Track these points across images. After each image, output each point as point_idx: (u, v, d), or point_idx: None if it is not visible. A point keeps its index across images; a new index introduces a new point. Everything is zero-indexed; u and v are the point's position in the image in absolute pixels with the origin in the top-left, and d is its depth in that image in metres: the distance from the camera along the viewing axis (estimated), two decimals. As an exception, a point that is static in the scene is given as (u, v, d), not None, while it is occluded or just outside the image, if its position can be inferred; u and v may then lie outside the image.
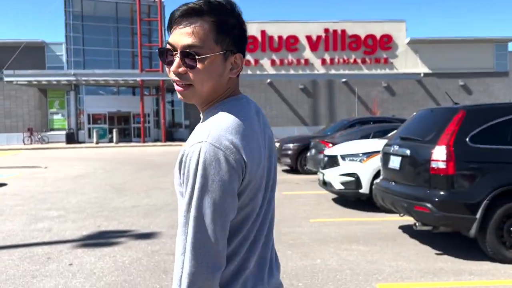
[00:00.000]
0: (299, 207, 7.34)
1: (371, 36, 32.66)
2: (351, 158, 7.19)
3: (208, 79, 1.05)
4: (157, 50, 1.10)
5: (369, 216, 6.51)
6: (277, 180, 1.25)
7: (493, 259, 4.32)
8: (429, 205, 4.38)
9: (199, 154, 0.99)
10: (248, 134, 1.05)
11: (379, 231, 5.65)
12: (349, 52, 32.56)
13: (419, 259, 4.45)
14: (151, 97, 31.81)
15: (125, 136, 31.40)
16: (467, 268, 4.14)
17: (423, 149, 4.69)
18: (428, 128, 5.00)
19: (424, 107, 6.19)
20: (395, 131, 8.45)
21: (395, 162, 5.18)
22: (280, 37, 32.00)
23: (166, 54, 1.07)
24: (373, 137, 9.53)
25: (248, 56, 31.72)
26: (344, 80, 32.34)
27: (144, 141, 29.19)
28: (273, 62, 31.99)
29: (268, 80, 31.86)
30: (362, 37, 32.52)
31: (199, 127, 1.07)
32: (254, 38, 31.76)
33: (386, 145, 5.65)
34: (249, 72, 31.59)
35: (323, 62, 32.36)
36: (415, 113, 5.71)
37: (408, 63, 33.07)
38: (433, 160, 4.45)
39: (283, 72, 32.03)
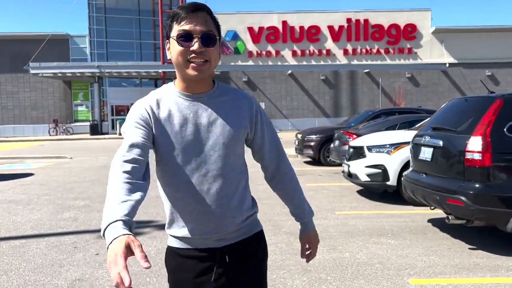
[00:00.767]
0: (324, 199, 7.22)
1: (395, 26, 31.93)
2: (377, 150, 7.01)
3: (217, 56, 1.44)
4: (179, 35, 1.39)
5: (396, 209, 6.34)
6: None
7: (531, 255, 4.13)
8: (463, 198, 4.20)
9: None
10: None
11: (407, 224, 5.50)
12: (372, 42, 31.93)
13: (452, 254, 4.29)
14: (172, 88, 31.96)
15: (147, 128, 31.67)
16: (504, 264, 3.97)
17: (457, 139, 4.50)
18: (462, 118, 4.79)
19: (449, 98, 5.96)
20: (423, 122, 8.22)
21: (426, 154, 5.00)
22: (301, 28, 31.61)
23: (183, 38, 1.39)
24: (399, 128, 9.30)
25: (269, 47, 31.50)
26: (366, 70, 31.78)
27: (165, 133, 29.41)
28: (294, 53, 31.66)
29: (289, 71, 31.57)
30: (386, 26, 31.82)
31: (237, 90, 1.57)
32: (275, 29, 31.47)
33: (417, 135, 5.46)
34: (270, 63, 31.38)
35: (345, 52, 31.84)
36: (447, 102, 5.50)
37: (433, 53, 32.24)
38: (468, 151, 4.26)
39: (304, 63, 31.68)
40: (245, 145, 1.59)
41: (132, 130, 1.39)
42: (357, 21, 31.76)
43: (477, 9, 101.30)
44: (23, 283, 3.69)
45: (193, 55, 1.38)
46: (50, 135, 31.16)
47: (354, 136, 9.27)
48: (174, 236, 1.53)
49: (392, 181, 6.75)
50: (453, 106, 5.22)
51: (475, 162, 4.20)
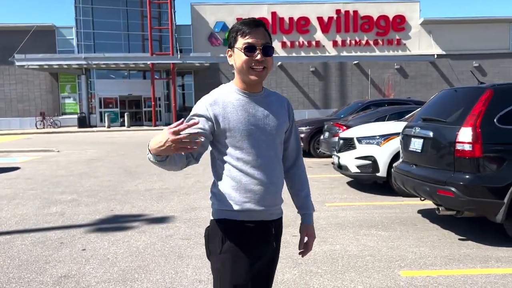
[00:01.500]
0: (314, 191, 7.19)
1: (384, 17, 31.97)
2: (367, 141, 6.99)
3: (272, 63, 1.77)
4: (244, 47, 1.70)
5: (386, 200, 6.34)
6: None
7: (520, 245, 4.15)
8: (453, 189, 4.20)
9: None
10: None
11: (398, 215, 5.50)
12: (361, 33, 31.94)
13: (443, 245, 4.29)
14: (161, 81, 31.68)
15: (136, 120, 31.41)
16: (494, 255, 3.98)
17: (447, 130, 4.48)
18: (452, 108, 4.77)
19: (437, 89, 5.94)
20: (412, 113, 8.22)
21: (416, 145, 4.98)
22: (290, 19, 31.47)
23: (248, 50, 1.70)
24: (388, 120, 9.30)
25: (259, 38, 31.29)
26: (356, 62, 31.81)
27: (155, 125, 29.18)
28: (283, 45, 31.54)
29: (279, 63, 31.46)
30: (375, 18, 31.84)
31: (276, 92, 1.91)
32: (264, 20, 31.27)
33: (407, 127, 5.44)
34: (260, 54, 31.20)
35: (335, 44, 31.81)
36: (437, 93, 5.48)
37: (421, 44, 32.38)
38: (458, 142, 4.24)
39: (294, 54, 31.58)
40: None
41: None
42: (346, 12, 31.71)
43: (465, 1, 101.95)
44: (7, 281, 3.60)
45: (255, 63, 1.70)
46: (37, 128, 30.71)
47: (344, 127, 9.25)
48: (231, 210, 1.74)
49: (382, 172, 6.75)
50: (443, 97, 5.20)
51: (465, 153, 4.19)
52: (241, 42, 1.70)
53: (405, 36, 32.29)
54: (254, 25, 1.71)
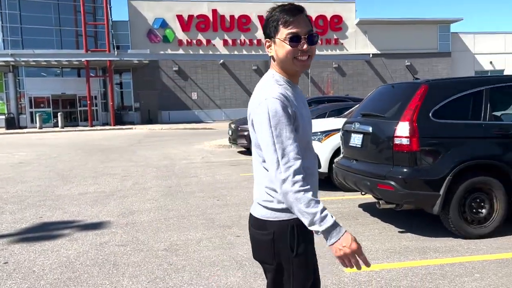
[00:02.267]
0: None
1: (322, 17, 32.75)
2: (309, 137, 7.01)
3: (315, 51, 1.66)
4: (289, 38, 1.59)
5: (327, 196, 6.40)
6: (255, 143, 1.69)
7: (455, 235, 4.30)
8: (393, 182, 4.26)
9: None
10: None
11: (339, 210, 5.54)
12: (301, 32, 32.49)
13: (383, 239, 4.35)
14: (97, 78, 30.25)
15: (71, 120, 29.75)
16: (432, 246, 4.09)
17: (386, 125, 4.55)
18: (390, 104, 4.87)
19: (373, 87, 6.09)
20: (351, 109, 8.39)
21: (356, 140, 5.03)
22: (231, 17, 31.33)
23: (293, 40, 1.58)
24: (328, 116, 9.44)
25: (200, 36, 30.89)
26: (296, 60, 32.30)
27: (92, 125, 27.81)
28: (225, 42, 31.34)
29: (221, 61, 31.22)
30: (313, 17, 32.50)
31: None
32: (205, 17, 30.91)
33: (347, 122, 5.49)
34: (201, 52, 30.80)
35: (276, 42, 32.08)
36: (375, 89, 5.58)
37: (357, 44, 33.56)
38: (396, 136, 4.32)
39: (236, 52, 31.48)
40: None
41: (291, 131, 1.56)
42: (287, 11, 32.08)
43: (398, 2, 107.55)
44: None
45: (300, 53, 1.60)
46: (-42, 130, 28.13)
47: (286, 124, 9.25)
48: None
49: (324, 168, 6.80)
50: (380, 92, 5.30)
51: (403, 147, 4.27)
52: (283, 32, 1.59)
53: (343, 35, 33.31)
54: (296, 11, 1.60)
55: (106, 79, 29.22)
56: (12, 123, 27.49)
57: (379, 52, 33.89)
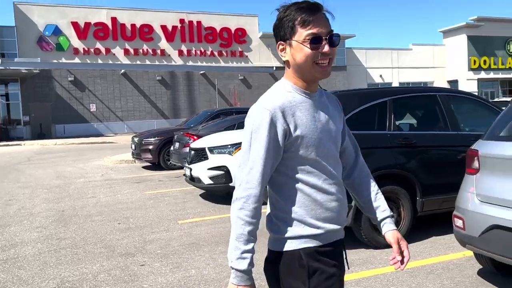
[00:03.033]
0: (165, 207, 6.61)
1: (226, 29, 32.97)
2: (219, 150, 6.73)
3: (335, 55, 1.48)
4: (309, 39, 1.40)
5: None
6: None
7: (368, 246, 4.30)
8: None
9: None
10: None
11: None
12: (206, 44, 32.33)
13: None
14: (-22, 89, 26.86)
15: None
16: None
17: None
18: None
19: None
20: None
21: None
22: (133, 26, 30.06)
23: (313, 42, 1.41)
24: (237, 128, 9.27)
25: (98, 44, 29.11)
26: (202, 72, 32.06)
27: (-30, 142, 24.47)
28: (126, 52, 29.92)
29: (122, 71, 29.72)
30: (218, 29, 32.60)
31: (326, 92, 1.63)
32: (104, 25, 29.23)
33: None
34: (100, 61, 29.03)
35: (180, 53, 31.52)
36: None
37: (261, 56, 34.37)
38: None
39: (138, 62, 30.22)
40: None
41: (267, 150, 1.41)
42: (190, 22, 31.76)
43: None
44: None
45: (321, 56, 1.42)
46: None
47: (195, 137, 8.88)
48: (309, 236, 1.46)
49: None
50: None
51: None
52: (302, 33, 1.40)
53: (247, 48, 33.86)
54: (315, 9, 1.41)
55: (-11, 90, 26.04)
56: None
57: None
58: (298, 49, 1.41)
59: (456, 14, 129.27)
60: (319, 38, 1.39)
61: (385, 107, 4.56)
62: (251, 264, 1.38)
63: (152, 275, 3.76)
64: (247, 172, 1.38)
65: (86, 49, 28.76)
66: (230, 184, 6.54)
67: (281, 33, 1.45)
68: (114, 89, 29.84)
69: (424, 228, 4.84)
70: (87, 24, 28.77)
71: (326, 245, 1.48)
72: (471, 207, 3.17)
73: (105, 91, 29.64)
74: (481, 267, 3.63)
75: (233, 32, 33.16)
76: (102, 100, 29.54)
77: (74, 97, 28.72)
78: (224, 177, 6.51)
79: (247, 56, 33.85)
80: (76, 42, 28.56)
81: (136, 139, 11.50)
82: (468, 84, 38.09)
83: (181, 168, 9.44)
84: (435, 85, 39.33)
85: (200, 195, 7.47)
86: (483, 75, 38.75)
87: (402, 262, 1.56)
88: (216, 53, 32.53)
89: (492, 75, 39.16)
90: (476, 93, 37.27)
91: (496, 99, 23.05)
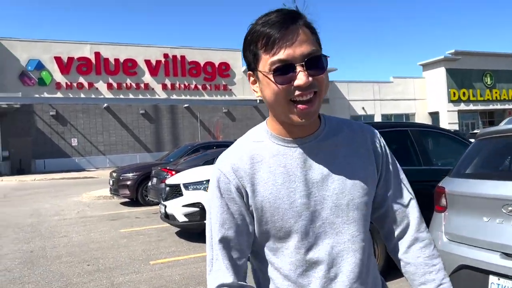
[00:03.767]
0: (138, 246, 6.40)
1: (210, 63, 33.40)
2: (194, 187, 6.62)
3: (327, 82, 1.03)
4: (274, 69, 0.98)
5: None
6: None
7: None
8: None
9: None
10: None
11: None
12: (189, 78, 32.62)
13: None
14: (-44, 124, 26.40)
15: None
16: None
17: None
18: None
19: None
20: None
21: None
22: (116, 60, 30.25)
23: (280, 72, 0.98)
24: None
25: (81, 79, 29.12)
26: (186, 105, 32.17)
27: None
28: (109, 86, 29.95)
29: (105, 105, 29.62)
30: (202, 63, 33.01)
31: (350, 121, 1.16)
32: (87, 59, 29.35)
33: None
34: (83, 95, 28.95)
35: (164, 87, 31.69)
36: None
37: (245, 90, 34.73)
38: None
39: (121, 96, 30.23)
40: None
41: (218, 210, 1.06)
42: (174, 56, 32.12)
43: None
44: None
45: (298, 92, 0.98)
46: None
47: (173, 172, 8.76)
48: None
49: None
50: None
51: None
52: (266, 60, 0.98)
53: (231, 82, 34.24)
54: (285, 22, 0.97)
55: (-33, 125, 25.62)
56: None
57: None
58: (265, 83, 1.01)
59: (435, 47, 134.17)
60: (288, 66, 0.97)
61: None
62: None
63: (115, 322, 3.57)
64: (210, 253, 1.08)
65: (69, 83, 28.72)
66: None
67: (247, 59, 1.06)
68: (97, 123, 29.63)
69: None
70: (70, 59, 28.85)
71: None
72: (441, 245, 3.11)
73: (87, 125, 29.41)
74: (455, 306, 3.54)
75: (217, 66, 33.60)
76: (84, 134, 29.25)
77: (55, 132, 28.39)
78: (199, 214, 6.37)
79: (230, 89, 34.19)
80: (59, 77, 28.53)
81: (114, 174, 11.31)
82: (449, 116, 38.96)
83: (159, 204, 9.26)
84: (416, 116, 40.14)
85: (176, 232, 7.27)
86: (463, 106, 39.71)
87: None
88: (200, 87, 32.81)
89: (471, 106, 40.16)
90: (457, 124, 38.17)
91: (476, 131, 23.55)
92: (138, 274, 4.97)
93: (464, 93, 39.45)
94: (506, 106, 41.09)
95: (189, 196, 6.56)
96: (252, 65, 1.04)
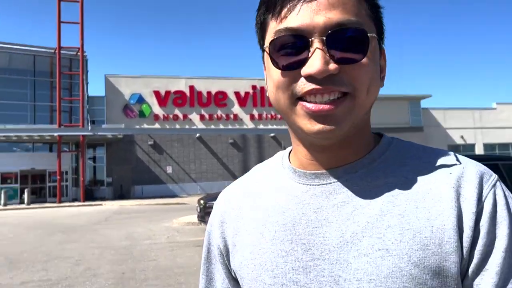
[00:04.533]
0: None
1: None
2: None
3: (377, 80, 0.63)
4: (267, 46, 0.63)
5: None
6: None
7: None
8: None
9: None
10: None
11: None
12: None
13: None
14: (69, 153, 29.69)
15: (40, 196, 28.57)
16: None
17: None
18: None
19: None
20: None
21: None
22: (208, 93, 31.99)
23: (288, 50, 0.60)
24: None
25: (176, 111, 31.18)
26: (272, 134, 32.70)
27: (60, 201, 26.67)
28: (202, 117, 31.65)
29: (197, 135, 31.28)
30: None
31: (433, 150, 0.68)
32: (182, 93, 31.45)
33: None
34: (178, 126, 30.89)
35: (252, 117, 32.63)
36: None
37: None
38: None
39: (212, 126, 31.73)
40: None
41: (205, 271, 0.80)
42: (262, 88, 33.04)
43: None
44: None
45: (309, 86, 0.59)
46: None
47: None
48: None
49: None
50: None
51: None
52: (272, 30, 0.63)
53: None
54: None
55: (79, 153, 28.69)
56: (-25, 200, 26.15)
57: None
58: (267, 69, 0.67)
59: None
60: (298, 40, 0.60)
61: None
62: None
63: None
64: None
65: (166, 115, 30.89)
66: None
67: (257, 34, 0.70)
68: (190, 152, 31.30)
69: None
70: (167, 92, 31.14)
71: None
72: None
73: (181, 153, 31.21)
74: None
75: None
76: (178, 162, 31.04)
77: (152, 160, 30.54)
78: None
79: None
80: (157, 109, 30.87)
81: (201, 202, 11.71)
82: None
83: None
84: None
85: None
86: None
87: None
88: (286, 116, 33.22)
89: None
90: None
91: None
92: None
93: None
94: None
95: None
96: (260, 42, 0.68)
